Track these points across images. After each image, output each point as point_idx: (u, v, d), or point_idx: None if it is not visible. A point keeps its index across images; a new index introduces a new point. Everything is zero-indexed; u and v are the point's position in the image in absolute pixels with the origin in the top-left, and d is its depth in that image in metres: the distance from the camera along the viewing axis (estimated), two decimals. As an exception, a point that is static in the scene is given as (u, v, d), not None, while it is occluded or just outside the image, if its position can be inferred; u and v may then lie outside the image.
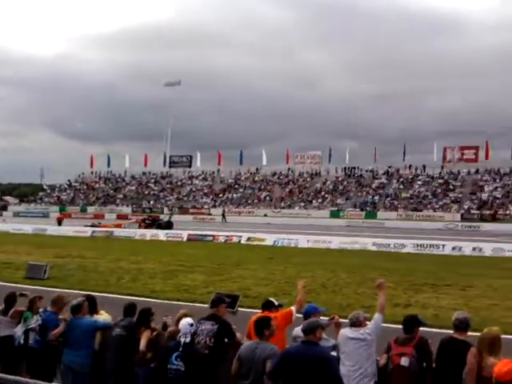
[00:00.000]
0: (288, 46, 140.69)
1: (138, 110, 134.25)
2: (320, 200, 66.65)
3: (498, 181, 62.16)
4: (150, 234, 35.08)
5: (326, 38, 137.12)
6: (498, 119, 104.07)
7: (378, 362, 5.74)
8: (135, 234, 35.34)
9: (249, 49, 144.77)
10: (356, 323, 5.79)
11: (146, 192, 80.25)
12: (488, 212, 54.94)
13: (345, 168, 72.87)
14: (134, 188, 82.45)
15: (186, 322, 5.55)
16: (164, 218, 47.45)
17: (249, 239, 31.54)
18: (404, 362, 5.46)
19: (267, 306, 6.50)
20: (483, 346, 5.12)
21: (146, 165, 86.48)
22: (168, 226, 41.62)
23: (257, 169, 79.59)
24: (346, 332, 5.80)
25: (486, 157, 65.09)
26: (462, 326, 5.63)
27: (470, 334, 5.64)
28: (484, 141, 65.70)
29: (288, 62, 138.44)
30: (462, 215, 55.11)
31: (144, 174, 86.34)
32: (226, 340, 6.06)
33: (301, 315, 6.16)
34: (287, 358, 5.02)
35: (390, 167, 70.00)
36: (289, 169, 76.64)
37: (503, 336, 8.94)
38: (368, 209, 60.78)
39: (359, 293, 14.39)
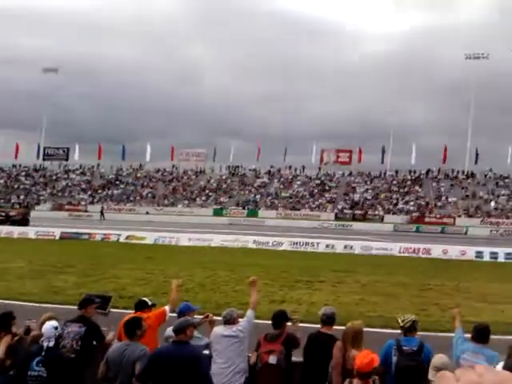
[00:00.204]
0: (175, 40, 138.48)
1: (10, 96, 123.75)
2: (204, 198, 66.77)
3: (368, 183, 66.83)
4: (17, 231, 32.57)
5: (214, 34, 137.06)
6: (371, 125, 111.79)
7: (250, 359, 5.84)
8: (0, 232, 32.60)
9: (135, 40, 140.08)
10: (230, 320, 5.84)
11: (16, 186, 74.52)
12: (359, 212, 58.84)
13: (229, 166, 73.79)
14: (1, 181, 76.14)
15: (49, 325, 5.21)
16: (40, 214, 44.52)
17: (128, 237, 30.57)
18: (272, 360, 5.60)
19: (140, 306, 6.36)
20: (347, 340, 5.40)
21: (16, 156, 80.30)
22: (23, 222, 39.05)
23: (140, 165, 77.52)
24: (219, 330, 5.83)
25: (359, 160, 69.87)
26: (328, 320, 5.89)
27: (337, 328, 5.93)
28: (357, 145, 70.71)
29: (174, 56, 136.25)
30: (336, 215, 58.40)
31: (14, 166, 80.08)
32: (94, 342, 5.83)
33: (175, 314, 6.10)
34: (156, 359, 4.90)
35: (271, 167, 72.21)
36: (173, 166, 75.76)
37: (369, 329, 9.64)
38: (250, 207, 62.07)
39: (237, 290, 14.58)
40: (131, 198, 68.37)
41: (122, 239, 30.40)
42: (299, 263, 22.11)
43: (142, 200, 67.87)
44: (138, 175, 74.71)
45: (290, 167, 71.84)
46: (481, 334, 5.44)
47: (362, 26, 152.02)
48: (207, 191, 68.31)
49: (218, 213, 59.87)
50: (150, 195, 69.01)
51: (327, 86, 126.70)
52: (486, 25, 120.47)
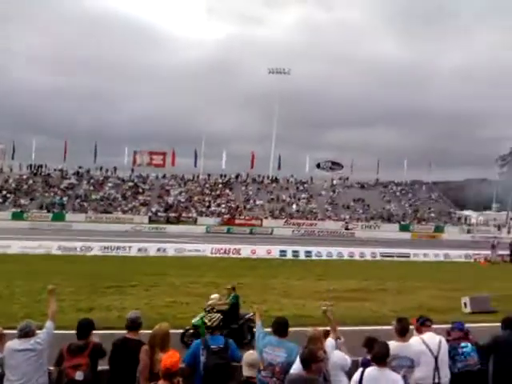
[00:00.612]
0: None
1: None
2: (0, 200, 60.06)
3: (182, 186, 67.48)
4: None
5: (25, 25, 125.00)
6: (185, 129, 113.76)
7: (52, 373, 5.38)
8: None
9: None
10: (28, 333, 5.42)
11: None
12: (173, 214, 59.00)
13: (30, 165, 67.54)
14: None
15: None
16: None
17: None
18: (78, 376, 5.32)
19: None
20: (156, 343, 5.29)
21: None
22: None
23: None
24: (13, 344, 5.39)
25: (173, 163, 70.04)
26: (134, 325, 5.76)
27: (147, 332, 5.73)
28: (171, 148, 70.82)
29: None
30: (149, 217, 57.68)
31: None
32: None
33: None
34: None
35: (80, 167, 68.20)
36: (-39, 163, 66.70)
37: (178, 331, 9.57)
38: (55, 210, 57.75)
39: (39, 300, 13.33)
40: None
41: None
42: (110, 268, 21.32)
43: None
44: None
45: (100, 168, 68.73)
46: (280, 329, 5.70)
47: (178, 31, 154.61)
48: (4, 192, 61.51)
49: (17, 216, 54.37)
50: None
51: (142, 87, 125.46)
52: (291, 42, 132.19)
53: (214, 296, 10.40)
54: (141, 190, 65.01)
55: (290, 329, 5.79)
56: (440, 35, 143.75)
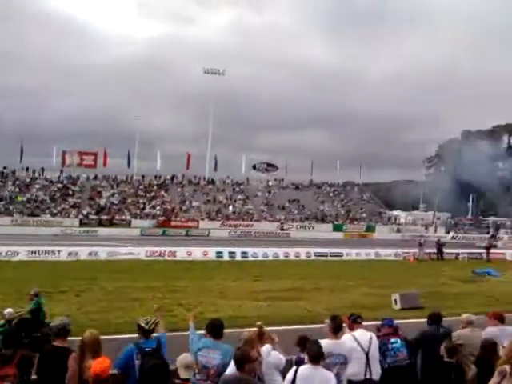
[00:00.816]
0: None
1: None
2: None
3: (115, 187, 65.65)
4: None
5: None
6: (117, 128, 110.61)
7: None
8: None
9: None
10: None
11: None
12: (106, 217, 57.32)
13: (-52, 167, 63.45)
14: None
15: None
16: None
17: None
18: None
19: None
20: (86, 349, 5.13)
21: None
22: None
23: None
24: None
25: (104, 164, 67.93)
26: (62, 332, 5.62)
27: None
28: (102, 148, 68.59)
29: None
30: (80, 220, 55.72)
31: None
32: None
33: None
34: None
35: (4, 168, 64.76)
36: None
37: (117, 336, 9.32)
38: (-22, 214, 54.64)
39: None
40: None
41: None
42: (38, 273, 20.43)
43: None
44: None
45: (27, 169, 65.54)
46: (215, 330, 5.69)
47: (109, 27, 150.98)
48: None
49: None
50: None
51: (72, 85, 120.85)
52: (224, 43, 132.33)
53: (8, 311, 9.80)
54: (71, 192, 62.65)
55: (226, 330, 5.77)
56: (371, 40, 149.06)
